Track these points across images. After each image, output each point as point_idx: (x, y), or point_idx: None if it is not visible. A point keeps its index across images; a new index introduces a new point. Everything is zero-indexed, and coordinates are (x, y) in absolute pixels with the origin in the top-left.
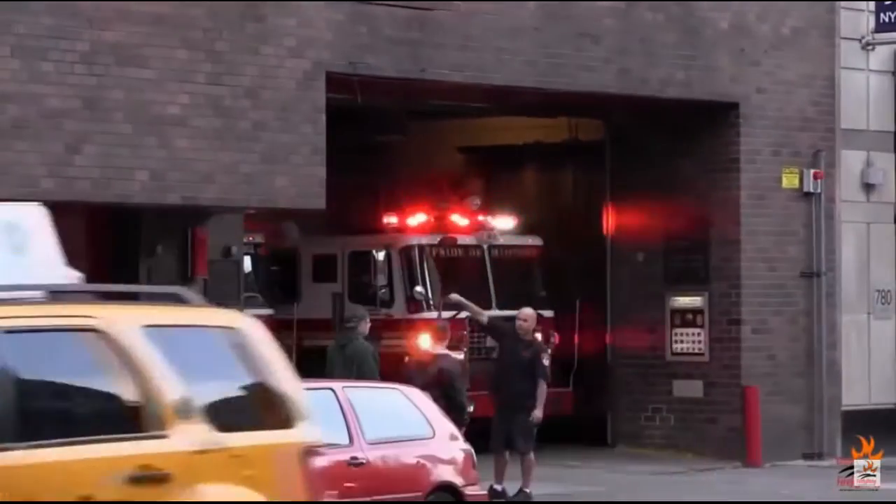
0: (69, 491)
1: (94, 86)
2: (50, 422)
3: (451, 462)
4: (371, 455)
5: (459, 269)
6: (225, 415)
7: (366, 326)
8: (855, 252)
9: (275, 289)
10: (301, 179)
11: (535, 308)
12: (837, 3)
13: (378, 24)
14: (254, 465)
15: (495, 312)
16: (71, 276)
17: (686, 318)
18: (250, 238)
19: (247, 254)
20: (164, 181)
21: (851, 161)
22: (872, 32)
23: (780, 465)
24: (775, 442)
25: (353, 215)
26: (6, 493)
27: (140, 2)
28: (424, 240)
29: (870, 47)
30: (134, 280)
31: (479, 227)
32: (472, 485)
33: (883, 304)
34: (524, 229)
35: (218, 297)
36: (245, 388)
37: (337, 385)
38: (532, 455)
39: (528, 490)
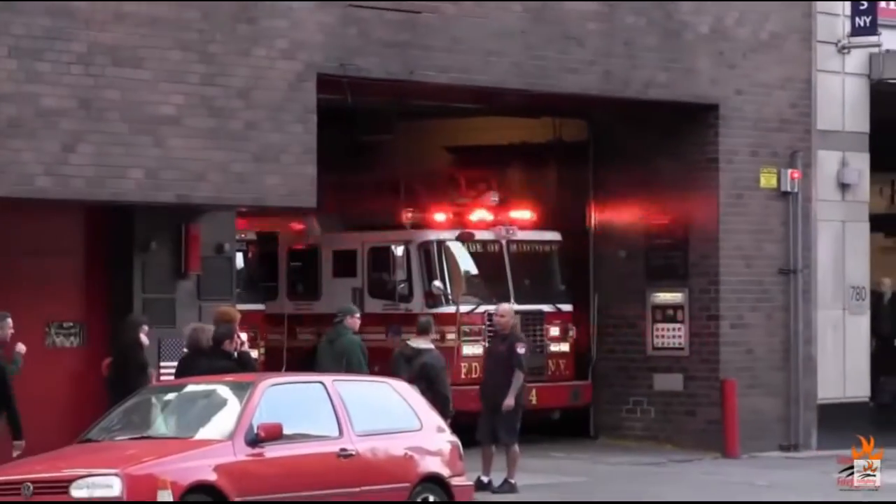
0: None
1: (90, 86)
2: None
3: (438, 454)
4: (360, 447)
5: (478, 264)
6: None
7: (354, 322)
8: (830, 250)
9: (296, 284)
10: (292, 178)
11: (553, 303)
12: (815, 5)
13: (367, 27)
14: None
15: (513, 307)
16: None
17: (667, 313)
18: (242, 235)
19: (239, 250)
20: (158, 179)
21: (827, 161)
22: (848, 36)
23: (757, 455)
24: (752, 434)
25: (373, 211)
26: None
27: (135, 3)
28: (443, 235)
29: (845, 51)
30: (128, 276)
31: (497, 223)
32: (459, 476)
33: (857, 300)
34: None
35: (210, 292)
36: None
37: (327, 378)
38: (516, 447)
39: (512, 481)
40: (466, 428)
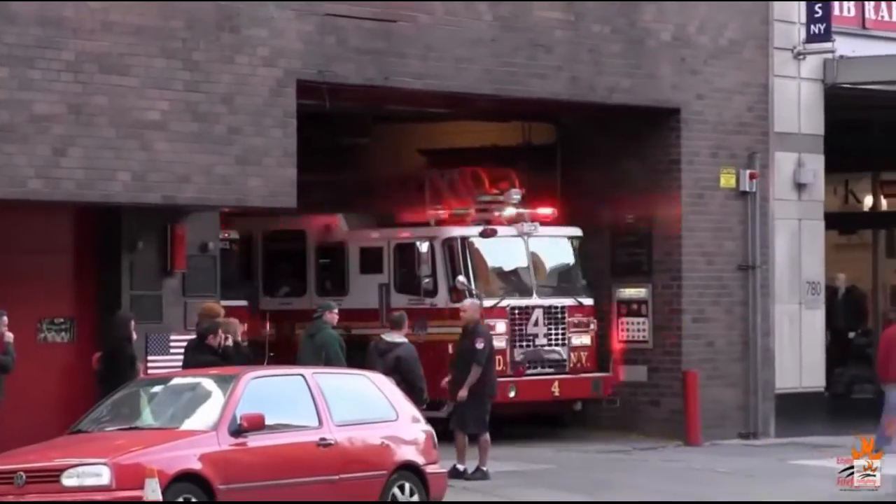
0: None
1: (79, 92)
2: None
3: (413, 443)
4: (339, 436)
5: (501, 260)
6: None
7: (332, 317)
8: (787, 247)
9: (324, 281)
10: (273, 180)
11: (575, 296)
12: (772, 13)
13: (345, 36)
14: None
15: (536, 301)
16: None
17: (632, 307)
18: (226, 235)
19: (223, 249)
20: (144, 182)
21: (784, 162)
22: (803, 43)
23: (718, 443)
24: (713, 422)
25: (399, 209)
26: None
27: (122, 13)
28: (466, 232)
29: (801, 57)
30: (117, 274)
31: (519, 219)
32: (434, 464)
33: (813, 294)
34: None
35: (195, 289)
36: None
37: (307, 371)
38: (487, 436)
39: (484, 468)
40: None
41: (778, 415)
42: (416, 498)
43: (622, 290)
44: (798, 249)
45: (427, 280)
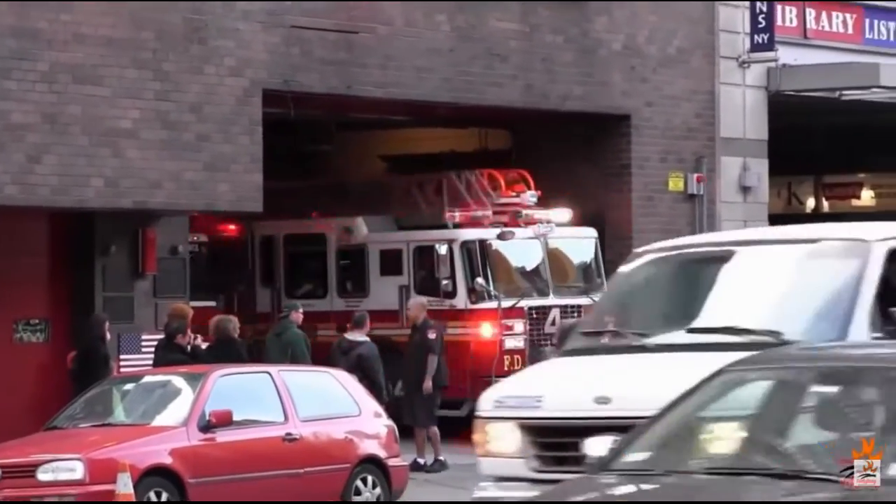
0: None
1: (54, 102)
2: None
3: (375, 437)
4: (304, 431)
5: (518, 261)
6: None
7: (298, 316)
8: None
9: (345, 282)
10: (240, 185)
11: (589, 295)
12: (718, 23)
13: (309, 47)
14: None
15: (553, 301)
16: None
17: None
18: (194, 238)
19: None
20: (117, 187)
21: (730, 166)
22: (748, 52)
23: None
24: None
25: (418, 212)
26: None
27: (94, 26)
28: (484, 234)
29: (746, 65)
30: (90, 276)
31: (536, 221)
32: (395, 457)
33: None
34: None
35: (165, 291)
36: None
37: (273, 369)
38: (435, 427)
39: (441, 458)
40: None
41: None
42: (378, 490)
43: None
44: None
45: (446, 282)
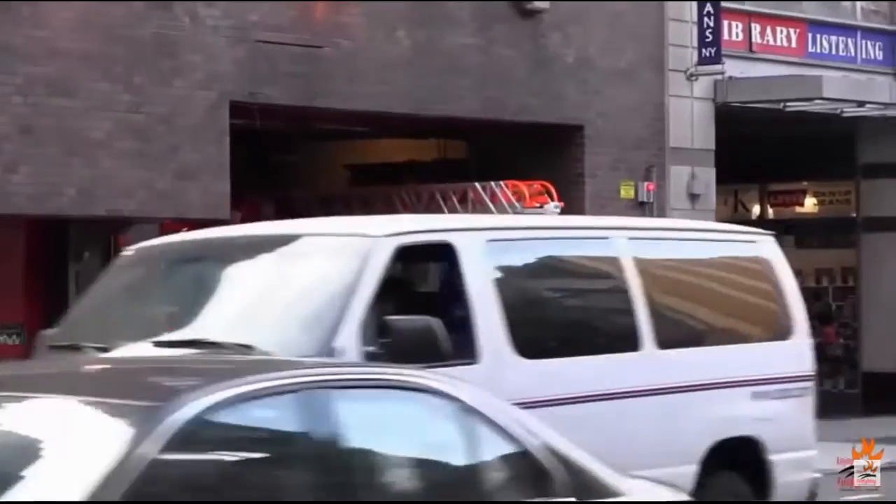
0: None
1: (29, 114)
2: None
3: None
4: None
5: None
6: None
7: None
8: None
9: None
10: (208, 194)
11: None
12: (667, 37)
13: (274, 60)
14: None
15: None
16: None
17: None
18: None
19: None
20: (90, 196)
21: (679, 175)
22: (695, 65)
23: None
24: None
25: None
26: None
27: (68, 41)
28: None
29: (693, 78)
30: (64, 281)
31: None
32: None
33: None
34: None
35: None
36: None
37: None
38: None
39: None
40: None
41: None
42: None
43: None
44: None
45: None
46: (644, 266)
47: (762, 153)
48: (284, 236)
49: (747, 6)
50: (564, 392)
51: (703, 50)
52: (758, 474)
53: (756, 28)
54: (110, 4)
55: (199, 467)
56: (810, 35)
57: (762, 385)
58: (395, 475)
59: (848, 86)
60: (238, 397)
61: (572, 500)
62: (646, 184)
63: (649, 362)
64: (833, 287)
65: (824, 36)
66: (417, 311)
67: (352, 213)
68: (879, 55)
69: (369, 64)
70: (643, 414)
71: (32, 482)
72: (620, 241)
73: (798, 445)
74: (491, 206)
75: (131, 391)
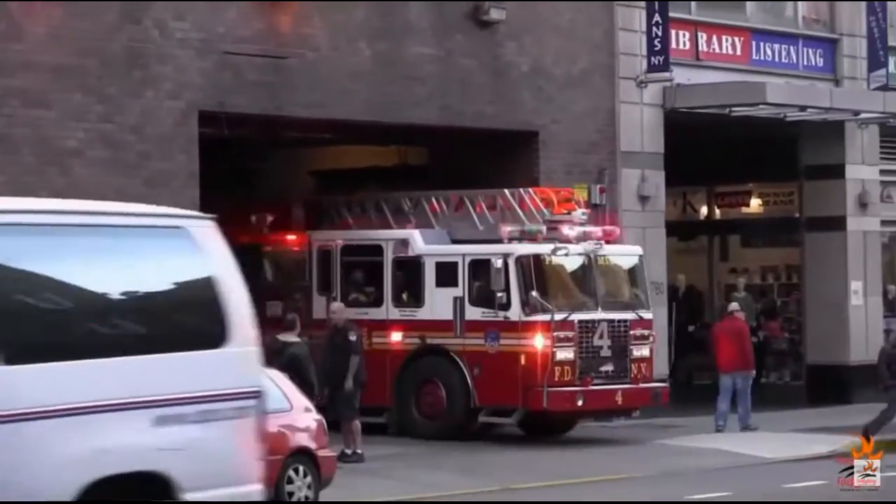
0: None
1: (5, 124)
2: None
3: (306, 430)
4: None
5: (569, 276)
6: None
7: None
8: None
9: (401, 293)
10: (179, 200)
11: (634, 310)
12: (618, 46)
13: (241, 71)
14: None
15: (601, 315)
16: None
17: None
18: None
19: None
20: None
21: (629, 178)
22: (645, 73)
23: (584, 425)
24: None
25: (475, 226)
26: None
27: (42, 53)
28: (538, 249)
29: (643, 85)
30: None
31: (585, 237)
32: (324, 448)
33: (657, 294)
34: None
35: None
36: None
37: None
38: (357, 422)
39: (360, 451)
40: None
41: None
42: (309, 479)
43: None
44: (644, 254)
45: (501, 294)
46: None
47: (709, 156)
48: None
49: (694, 16)
50: None
51: (652, 58)
52: None
53: (702, 37)
54: (83, 19)
55: None
56: (754, 43)
57: (172, 406)
58: None
59: (790, 91)
60: None
61: None
62: (598, 187)
63: None
64: (778, 284)
65: (768, 44)
66: None
67: (384, 217)
68: (820, 62)
69: (333, 74)
70: None
71: None
72: None
73: (228, 480)
74: (520, 212)
75: None
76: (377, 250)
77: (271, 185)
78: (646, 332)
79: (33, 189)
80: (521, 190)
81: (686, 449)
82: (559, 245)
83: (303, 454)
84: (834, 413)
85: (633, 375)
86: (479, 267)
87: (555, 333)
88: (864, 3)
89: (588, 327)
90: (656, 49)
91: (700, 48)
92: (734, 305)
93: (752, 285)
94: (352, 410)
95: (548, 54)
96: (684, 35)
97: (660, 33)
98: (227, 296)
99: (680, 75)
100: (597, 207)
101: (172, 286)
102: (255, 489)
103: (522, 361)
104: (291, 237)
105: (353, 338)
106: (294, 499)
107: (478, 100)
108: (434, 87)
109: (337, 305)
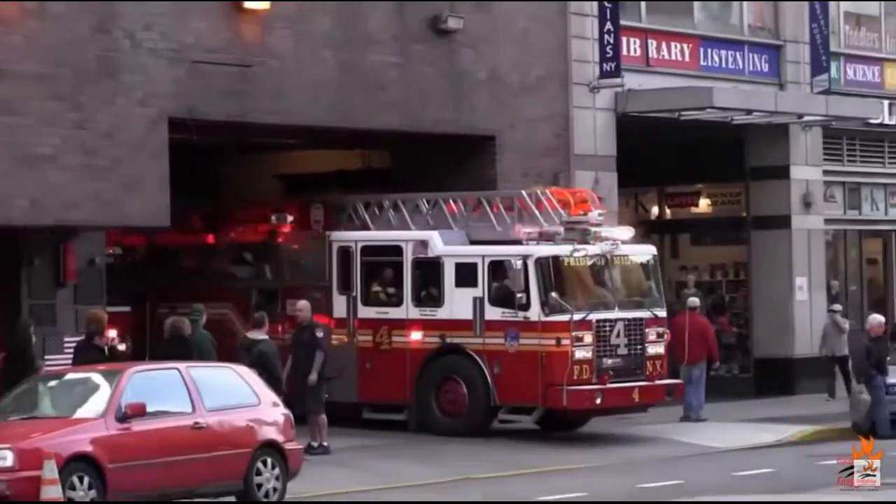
0: None
1: None
2: None
3: (274, 424)
4: (210, 420)
5: (587, 276)
6: None
7: (203, 318)
8: None
9: (421, 292)
10: (150, 204)
11: (649, 308)
12: (571, 53)
13: (209, 79)
14: None
15: (617, 315)
16: None
17: None
18: (110, 250)
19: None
20: (40, 207)
21: (583, 179)
22: (597, 79)
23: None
24: None
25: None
26: None
27: (17, 63)
28: (557, 250)
29: (596, 91)
30: (17, 285)
31: (602, 239)
32: (291, 441)
33: None
34: None
35: (84, 298)
36: None
37: (181, 365)
38: (323, 416)
39: (325, 444)
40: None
41: None
42: (276, 470)
43: None
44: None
45: (521, 295)
46: None
47: (660, 158)
48: None
49: (644, 24)
50: None
51: (604, 64)
52: None
53: (652, 44)
54: (56, 29)
55: None
56: (702, 50)
57: None
58: None
59: (737, 96)
60: None
61: None
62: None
63: None
64: (726, 280)
65: (715, 50)
66: None
67: (402, 217)
68: (765, 67)
69: (298, 81)
70: None
71: None
72: None
73: None
74: (537, 213)
75: None
76: (397, 251)
77: (238, 190)
78: (660, 330)
79: (9, 193)
80: (538, 191)
81: (640, 438)
82: (577, 246)
83: (271, 447)
84: (779, 403)
85: (648, 373)
86: (499, 268)
87: (574, 333)
88: (807, 11)
89: (606, 327)
90: (608, 56)
91: (650, 54)
92: (694, 301)
93: (702, 282)
94: (318, 404)
95: (504, 62)
96: (635, 42)
97: (611, 41)
98: None
99: (631, 81)
100: None
101: None
102: None
103: (542, 361)
104: (311, 237)
105: (319, 334)
106: (262, 490)
107: (437, 106)
108: (395, 94)
109: (303, 303)
